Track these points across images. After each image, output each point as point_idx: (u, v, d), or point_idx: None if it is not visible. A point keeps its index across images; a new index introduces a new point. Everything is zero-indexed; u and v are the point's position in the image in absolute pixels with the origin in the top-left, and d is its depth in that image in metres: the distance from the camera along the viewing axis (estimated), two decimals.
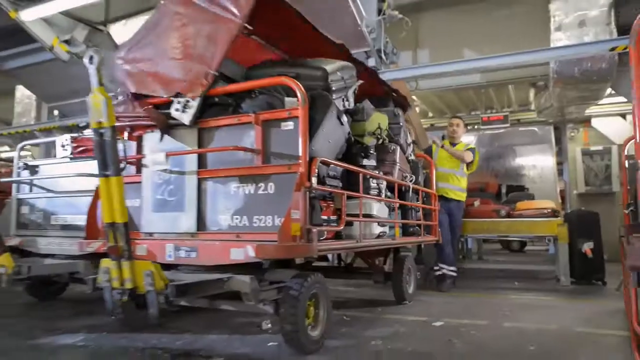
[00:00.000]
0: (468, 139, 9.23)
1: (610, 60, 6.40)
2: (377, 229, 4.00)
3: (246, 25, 3.14)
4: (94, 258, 4.22)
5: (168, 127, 3.34)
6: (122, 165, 2.92)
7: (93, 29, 7.65)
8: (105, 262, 2.83)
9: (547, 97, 8.54)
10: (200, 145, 3.27)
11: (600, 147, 10.17)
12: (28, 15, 6.76)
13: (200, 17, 3.18)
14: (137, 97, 3.33)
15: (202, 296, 3.13)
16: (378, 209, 3.99)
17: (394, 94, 5.13)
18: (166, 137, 3.38)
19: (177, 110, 3.17)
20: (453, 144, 6.12)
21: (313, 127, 3.01)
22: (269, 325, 3.28)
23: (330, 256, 5.80)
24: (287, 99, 3.03)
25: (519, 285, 6.36)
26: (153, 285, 2.66)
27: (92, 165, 4.49)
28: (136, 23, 8.38)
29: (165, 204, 3.38)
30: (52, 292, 5.27)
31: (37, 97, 9.97)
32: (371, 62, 6.26)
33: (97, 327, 3.79)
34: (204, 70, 3.05)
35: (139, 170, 3.55)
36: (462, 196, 6.06)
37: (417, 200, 5.11)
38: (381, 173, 4.13)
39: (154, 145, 3.44)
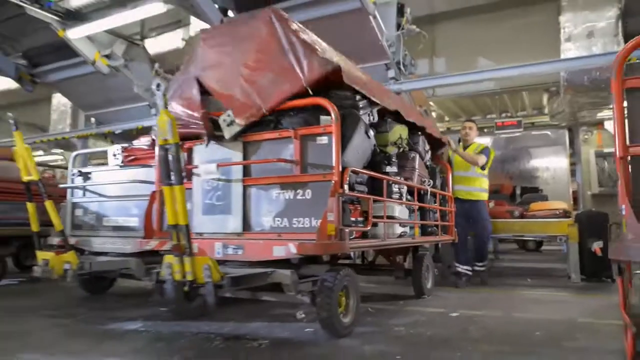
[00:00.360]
0: (484, 142, 9.63)
1: None
2: (399, 229, 4.46)
3: (308, 89, 3.49)
4: (144, 256, 4.79)
5: (214, 136, 3.82)
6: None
7: (130, 43, 8.22)
8: (168, 258, 3.31)
9: (559, 102, 8.88)
10: (245, 157, 3.76)
11: (613, 149, 10.42)
12: (74, 34, 7.35)
13: (276, 55, 3.59)
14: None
15: (247, 288, 3.63)
16: (399, 211, 4.45)
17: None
18: (215, 148, 3.87)
19: (224, 121, 3.66)
20: (466, 146, 6.51)
21: (344, 141, 3.47)
22: (303, 315, 3.76)
23: (352, 254, 6.25)
24: (322, 117, 3.50)
25: (532, 282, 6.74)
26: (211, 277, 3.15)
27: (141, 173, 5.09)
28: (169, 37, 8.98)
29: (214, 207, 3.88)
30: (102, 287, 5.82)
31: (75, 106, 10.59)
32: (391, 74, 6.70)
33: (152, 316, 4.31)
34: (258, 104, 3.53)
35: (189, 178, 4.05)
36: (479, 196, 6.38)
37: (435, 203, 5.54)
38: (402, 178, 4.57)
39: (204, 156, 3.94)
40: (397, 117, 4.60)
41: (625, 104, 2.46)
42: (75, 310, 4.68)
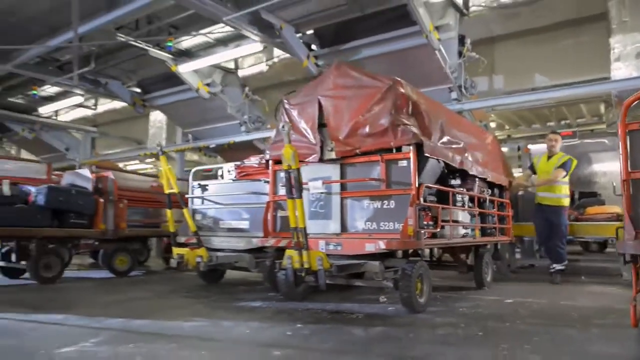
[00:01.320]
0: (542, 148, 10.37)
1: None
2: (462, 231, 5.51)
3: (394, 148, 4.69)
4: (254, 252, 6.08)
5: (321, 158, 5.04)
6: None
7: (226, 72, 9.66)
8: (289, 252, 4.52)
9: (613, 113, 9.51)
10: (342, 175, 4.95)
11: None
12: (184, 69, 8.87)
13: (382, 115, 4.70)
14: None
15: (345, 275, 4.81)
16: (462, 216, 5.49)
17: None
18: (319, 168, 5.06)
19: (329, 149, 4.88)
20: (550, 156, 7.25)
21: (420, 164, 4.58)
22: (385, 299, 4.92)
23: (422, 251, 7.30)
24: (403, 146, 4.62)
25: (585, 279, 7.51)
26: (322, 266, 4.34)
27: (251, 186, 6.37)
28: (259, 67, 10.36)
29: (318, 214, 5.09)
30: (216, 277, 7.20)
31: (176, 124, 12.24)
32: (453, 96, 7.71)
33: (266, 298, 5.57)
34: (356, 146, 4.76)
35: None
36: (560, 202, 7.08)
37: (493, 209, 6.50)
38: (464, 189, 5.61)
39: (310, 174, 5.14)
40: None
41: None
42: (204, 293, 6.05)
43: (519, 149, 11.14)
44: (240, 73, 10.67)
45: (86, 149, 15.14)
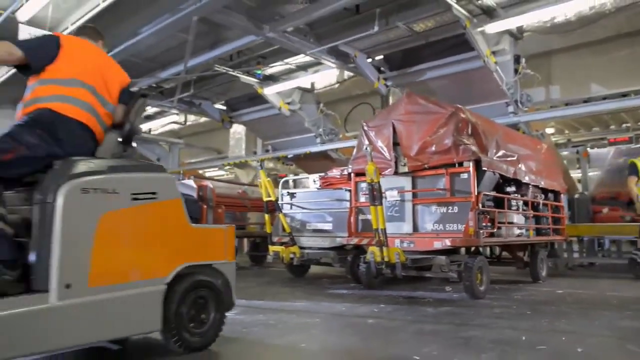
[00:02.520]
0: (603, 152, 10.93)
1: None
2: (517, 231, 6.44)
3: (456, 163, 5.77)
4: (337, 250, 7.25)
5: (396, 171, 6.13)
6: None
7: (304, 91, 10.96)
8: (372, 248, 5.65)
9: None
10: (413, 186, 6.03)
11: None
12: (269, 91, 10.24)
13: (446, 136, 5.76)
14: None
15: (416, 267, 5.89)
16: (517, 218, 6.42)
17: None
18: (394, 179, 6.16)
19: (402, 164, 5.98)
20: None
21: (479, 176, 5.58)
22: (450, 289, 5.95)
23: (481, 249, 8.22)
24: (464, 161, 5.64)
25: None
26: (399, 259, 5.44)
27: (334, 193, 7.53)
28: (330, 84, 11.55)
29: (393, 217, 6.19)
30: (302, 271, 8.44)
31: (258, 137, 13.68)
32: (510, 109, 8.55)
33: (350, 287, 6.72)
34: (424, 162, 5.80)
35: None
36: None
37: (547, 211, 7.34)
38: (518, 195, 6.53)
39: (387, 184, 6.23)
40: None
41: None
42: (297, 284, 7.29)
43: (577, 152, 11.73)
44: (322, 96, 11.93)
45: (174, 158, 16.92)
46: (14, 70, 8.78)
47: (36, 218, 2.48)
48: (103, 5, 6.45)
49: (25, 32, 6.53)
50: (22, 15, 6.77)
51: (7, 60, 2.81)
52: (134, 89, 3.32)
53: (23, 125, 2.70)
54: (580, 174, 11.06)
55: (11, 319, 2.24)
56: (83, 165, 2.64)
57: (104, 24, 7.45)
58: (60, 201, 2.46)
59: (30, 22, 6.86)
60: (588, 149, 11.26)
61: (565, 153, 12.39)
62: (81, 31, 3.23)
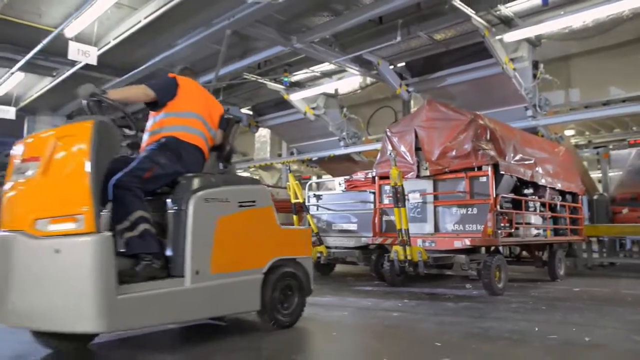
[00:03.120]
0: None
1: None
2: (534, 231, 6.74)
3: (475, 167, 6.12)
4: (362, 249, 7.63)
5: (418, 175, 6.50)
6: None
7: (328, 97, 11.37)
8: (395, 247, 6.03)
9: None
10: (434, 188, 6.39)
11: None
12: (295, 97, 10.68)
13: (465, 142, 6.10)
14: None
15: (437, 265, 6.24)
16: (535, 219, 6.73)
17: None
18: (416, 182, 6.52)
19: (424, 168, 6.34)
20: None
21: (497, 179, 5.92)
22: (470, 286, 6.28)
23: (500, 248, 8.51)
24: (483, 166, 5.98)
25: None
26: (421, 257, 5.81)
27: (358, 196, 7.92)
28: (353, 88, 11.93)
29: (416, 218, 6.55)
30: (328, 269, 8.84)
31: (283, 141, 14.13)
32: (529, 113, 8.82)
33: (374, 285, 7.10)
34: (445, 165, 6.15)
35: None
36: None
37: (565, 212, 7.61)
38: (536, 197, 6.82)
39: (410, 187, 6.60)
40: None
41: None
42: (323, 282, 7.68)
43: (598, 154, 11.90)
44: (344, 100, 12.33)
45: None
46: (53, 84, 9.34)
47: (172, 221, 3.20)
48: (144, 22, 6.95)
49: (75, 48, 7.11)
50: (70, 32, 7.32)
51: (144, 100, 3.49)
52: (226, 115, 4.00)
53: (156, 149, 3.38)
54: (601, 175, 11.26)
55: (160, 296, 2.98)
56: (205, 181, 3.37)
57: (143, 39, 8.02)
58: (190, 209, 3.18)
59: (77, 38, 7.41)
60: (611, 151, 11.42)
61: (586, 154, 12.57)
62: (184, 72, 3.88)
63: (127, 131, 3.44)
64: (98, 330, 2.78)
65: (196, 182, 3.31)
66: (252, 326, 4.02)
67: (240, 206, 3.48)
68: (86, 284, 2.62)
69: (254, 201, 3.59)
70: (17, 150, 3.08)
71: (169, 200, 3.26)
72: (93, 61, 7.41)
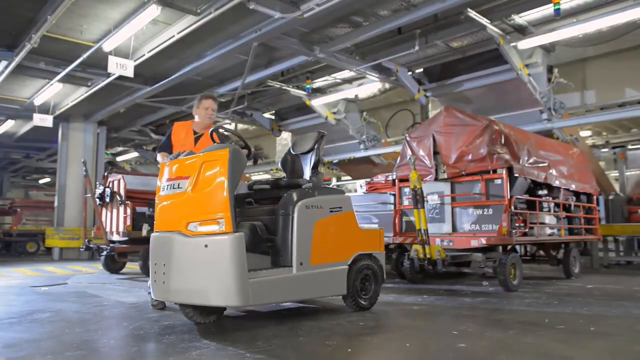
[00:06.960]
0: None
1: None
2: (549, 231, 7.05)
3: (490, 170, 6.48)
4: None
5: (436, 177, 6.86)
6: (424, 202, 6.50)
7: (348, 102, 11.78)
8: (415, 246, 6.40)
9: None
10: (452, 190, 6.75)
11: None
12: (316, 102, 11.11)
13: (481, 146, 6.48)
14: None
15: (456, 263, 6.60)
16: (549, 219, 7.04)
17: None
18: (435, 184, 6.89)
19: (442, 170, 6.71)
20: None
21: (511, 181, 6.25)
22: (487, 283, 6.63)
23: (518, 248, 8.81)
24: (498, 169, 6.32)
25: None
26: (440, 256, 6.18)
27: (379, 197, 8.30)
28: (372, 93, 12.30)
29: (434, 219, 6.91)
30: None
31: None
32: (544, 116, 9.11)
33: (394, 282, 7.47)
34: (461, 169, 6.50)
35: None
36: None
37: (579, 212, 7.89)
38: (550, 198, 7.13)
39: (428, 189, 6.97)
40: None
41: None
42: None
43: (615, 154, 12.08)
44: (362, 104, 12.71)
45: None
46: (88, 93, 9.86)
47: (281, 223, 4.09)
48: (177, 37, 7.44)
49: (114, 62, 7.63)
50: (108, 46, 7.86)
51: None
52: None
53: None
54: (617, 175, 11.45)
55: (275, 281, 3.89)
56: (305, 191, 4.25)
57: (174, 51, 8.52)
58: (296, 214, 4.06)
59: (114, 52, 7.95)
60: (628, 151, 11.59)
61: (603, 154, 12.74)
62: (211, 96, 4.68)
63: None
64: (237, 304, 3.62)
65: (299, 193, 4.18)
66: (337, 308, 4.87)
67: (331, 211, 4.33)
68: (228, 270, 3.51)
69: (340, 207, 4.45)
70: (166, 171, 3.99)
71: (278, 207, 4.11)
72: (130, 74, 7.93)
